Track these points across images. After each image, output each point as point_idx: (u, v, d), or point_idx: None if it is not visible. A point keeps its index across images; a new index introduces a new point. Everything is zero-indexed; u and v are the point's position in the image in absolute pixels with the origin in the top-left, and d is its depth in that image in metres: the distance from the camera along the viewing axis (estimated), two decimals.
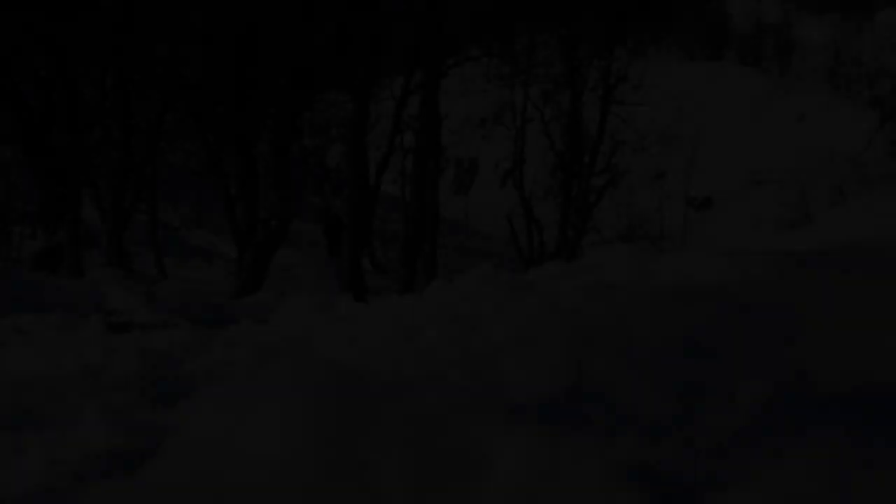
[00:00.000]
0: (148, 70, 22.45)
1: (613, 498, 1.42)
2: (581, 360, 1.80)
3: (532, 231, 38.24)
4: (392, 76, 30.73)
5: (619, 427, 1.71)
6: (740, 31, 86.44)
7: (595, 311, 1.85)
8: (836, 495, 1.57)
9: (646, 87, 30.27)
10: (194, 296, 9.33)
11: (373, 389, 1.27)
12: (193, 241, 33.07)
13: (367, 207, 14.44)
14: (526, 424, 1.42)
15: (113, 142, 17.27)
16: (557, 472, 1.33)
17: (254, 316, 9.09)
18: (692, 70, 56.50)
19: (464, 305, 3.94)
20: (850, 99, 70.97)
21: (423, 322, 3.68)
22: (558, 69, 31.18)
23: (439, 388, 1.42)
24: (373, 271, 25.49)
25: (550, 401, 1.75)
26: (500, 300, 3.85)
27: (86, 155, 16.91)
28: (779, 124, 64.13)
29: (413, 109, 28.58)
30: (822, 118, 63.97)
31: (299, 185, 24.46)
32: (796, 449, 1.67)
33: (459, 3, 24.31)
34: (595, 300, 2.09)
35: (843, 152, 54.50)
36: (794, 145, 61.42)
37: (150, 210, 25.80)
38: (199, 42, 19.66)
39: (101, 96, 26.34)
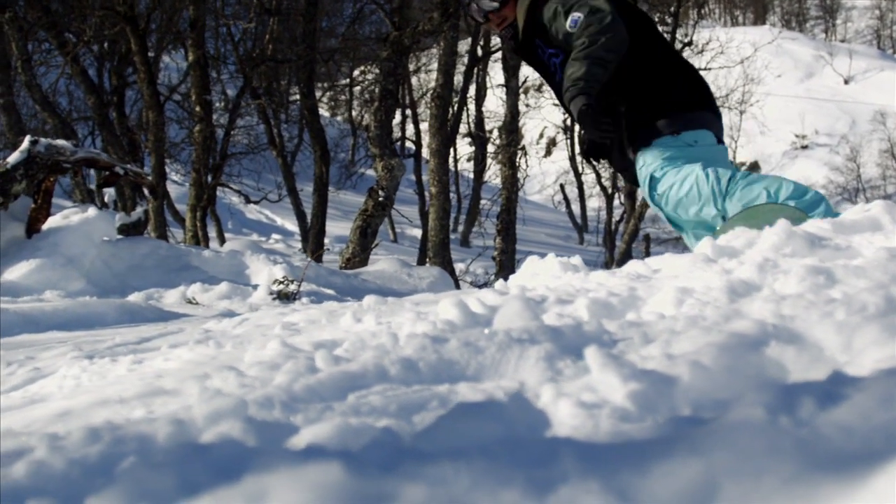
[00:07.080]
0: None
1: None
2: None
3: (584, 199, 38.20)
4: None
5: None
6: None
7: None
8: None
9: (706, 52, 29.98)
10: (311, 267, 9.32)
11: None
12: (250, 214, 33.37)
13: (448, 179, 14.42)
14: None
15: (194, 117, 17.36)
16: None
17: (386, 286, 9.12)
18: (736, 35, 55.61)
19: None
20: None
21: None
22: None
23: None
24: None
25: None
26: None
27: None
28: (825, 87, 63.11)
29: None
30: (869, 80, 62.86)
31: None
32: None
33: None
34: None
35: (892, 114, 53.57)
36: (841, 108, 60.46)
37: (212, 185, 25.99)
38: (270, 15, 19.64)
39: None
